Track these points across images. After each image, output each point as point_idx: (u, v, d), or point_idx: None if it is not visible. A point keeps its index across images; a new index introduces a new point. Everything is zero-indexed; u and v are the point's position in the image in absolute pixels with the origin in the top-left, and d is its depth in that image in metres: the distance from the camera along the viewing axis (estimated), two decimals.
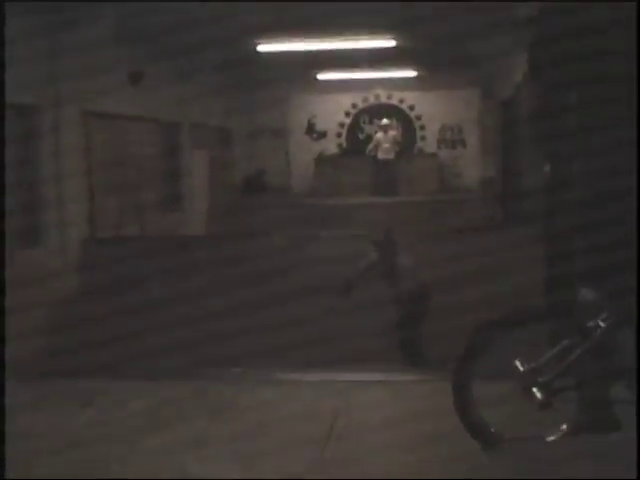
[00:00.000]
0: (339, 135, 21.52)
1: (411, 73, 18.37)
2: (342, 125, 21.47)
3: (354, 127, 21.43)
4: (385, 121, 20.15)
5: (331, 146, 21.44)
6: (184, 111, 15.33)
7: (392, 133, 20.07)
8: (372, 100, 21.26)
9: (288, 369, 6.33)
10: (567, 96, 9.14)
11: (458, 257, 9.42)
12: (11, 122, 9.50)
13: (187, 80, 15.05)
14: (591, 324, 3.63)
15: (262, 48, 13.30)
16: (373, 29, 12.03)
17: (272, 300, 9.20)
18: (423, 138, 21.21)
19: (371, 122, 21.12)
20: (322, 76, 18.45)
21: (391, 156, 19.61)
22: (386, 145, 19.69)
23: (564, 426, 3.75)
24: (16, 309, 8.35)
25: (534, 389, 3.65)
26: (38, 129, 9.91)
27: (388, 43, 13.09)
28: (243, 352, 7.69)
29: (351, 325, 8.88)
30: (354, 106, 21.34)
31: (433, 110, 20.77)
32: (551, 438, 3.79)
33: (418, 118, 21.11)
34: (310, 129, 21.48)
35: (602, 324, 3.60)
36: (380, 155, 19.66)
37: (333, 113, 21.28)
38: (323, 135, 21.51)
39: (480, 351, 3.80)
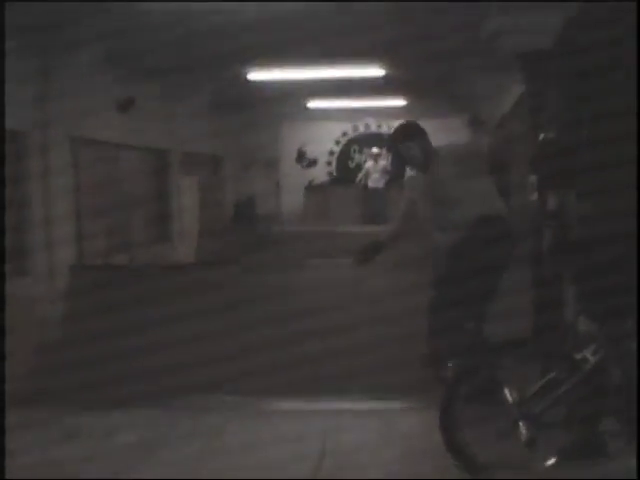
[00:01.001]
0: (329, 163, 21.60)
1: (400, 102, 18.48)
2: (332, 153, 21.56)
3: (344, 156, 21.52)
4: (375, 150, 20.25)
5: (321, 174, 21.51)
6: (174, 138, 15.34)
7: (382, 162, 20.17)
8: (362, 129, 21.38)
9: (274, 396, 6.28)
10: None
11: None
12: None
13: (177, 106, 15.09)
14: (579, 357, 3.59)
15: (253, 76, 13.37)
16: (363, 58, 12.11)
17: (259, 326, 9.15)
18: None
19: (361, 151, 21.23)
20: (313, 104, 18.54)
21: (381, 185, 19.68)
22: (376, 174, 19.77)
23: (552, 460, 3.70)
24: None
25: (521, 423, 3.61)
26: (24, 155, 9.88)
27: (377, 72, 13.19)
28: (229, 378, 7.63)
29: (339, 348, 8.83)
30: (344, 135, 21.45)
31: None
32: (538, 468, 3.74)
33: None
34: (300, 157, 21.55)
35: (591, 358, 3.56)
36: (370, 184, 19.74)
37: (323, 141, 21.37)
38: (313, 163, 21.58)
39: (468, 376, 3.77)
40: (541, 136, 3.35)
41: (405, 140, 6.14)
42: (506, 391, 3.71)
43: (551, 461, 3.68)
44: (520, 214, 6.34)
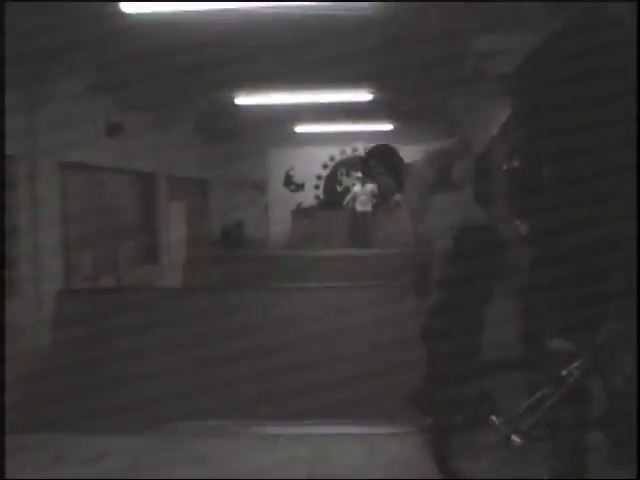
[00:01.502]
0: (317, 187, 21.67)
1: (388, 126, 18.61)
2: (320, 177, 21.64)
3: (332, 179, 21.60)
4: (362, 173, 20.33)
5: (309, 198, 21.58)
6: (161, 162, 15.38)
7: (369, 185, 20.24)
8: (349, 153, 21.49)
9: (262, 422, 6.26)
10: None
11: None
12: None
13: (164, 131, 15.14)
14: (565, 373, 3.63)
15: (240, 101, 13.44)
16: (350, 82, 12.21)
17: (247, 353, 9.14)
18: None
19: (349, 174, 21.31)
20: (300, 129, 18.64)
21: (368, 208, 19.73)
22: (363, 197, 19.83)
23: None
24: None
25: (513, 437, 3.63)
26: (14, 180, 9.89)
27: (365, 97, 13.29)
28: (217, 404, 7.61)
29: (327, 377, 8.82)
30: (332, 158, 21.55)
31: (410, 162, 20.91)
32: None
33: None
34: (288, 181, 21.62)
35: (574, 373, 3.60)
36: (358, 207, 19.79)
37: (311, 165, 21.46)
38: (301, 187, 21.66)
39: (462, 405, 3.77)
40: (504, 167, 3.41)
41: (375, 166, 6.01)
42: (493, 418, 3.72)
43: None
44: (505, 222, 6.28)
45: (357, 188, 20.13)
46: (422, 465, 3.83)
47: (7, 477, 4.65)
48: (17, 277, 9.94)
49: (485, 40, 9.22)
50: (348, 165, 21.44)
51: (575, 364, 3.61)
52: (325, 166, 21.60)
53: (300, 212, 20.97)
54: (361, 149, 21.33)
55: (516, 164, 3.74)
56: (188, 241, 17.63)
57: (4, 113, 3.74)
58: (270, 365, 9.01)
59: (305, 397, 8.27)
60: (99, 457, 4.99)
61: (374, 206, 19.90)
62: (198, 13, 7.63)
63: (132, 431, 5.80)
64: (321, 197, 21.65)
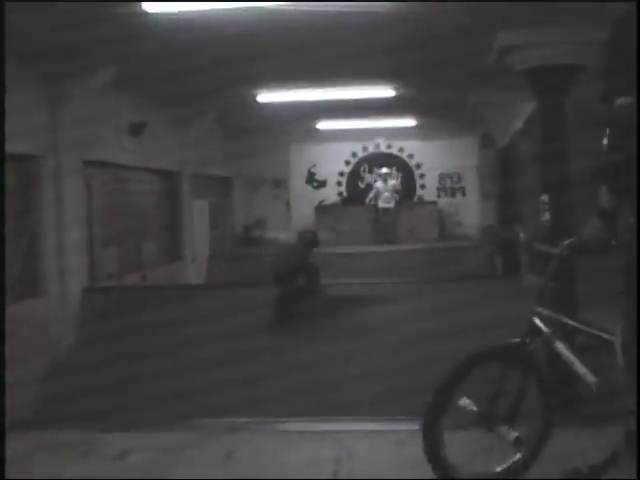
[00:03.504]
0: (339, 184, 21.63)
1: (410, 122, 18.54)
2: (342, 174, 21.60)
3: (354, 176, 21.55)
4: (385, 170, 20.31)
5: (331, 195, 21.54)
6: (184, 160, 15.44)
7: (392, 182, 20.24)
8: (372, 149, 21.43)
9: (286, 418, 6.27)
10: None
11: (452, 308, 9.41)
12: (11, 171, 9.60)
13: (187, 129, 15.18)
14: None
15: (262, 98, 13.45)
16: (373, 79, 12.18)
17: (270, 349, 9.17)
18: (423, 186, 21.34)
19: (371, 171, 21.27)
20: (322, 125, 18.62)
21: (391, 205, 19.71)
22: (386, 194, 19.81)
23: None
24: (16, 358, 8.34)
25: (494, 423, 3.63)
26: (38, 178, 9.97)
27: (388, 93, 13.24)
28: (242, 401, 7.63)
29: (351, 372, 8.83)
30: (354, 155, 21.50)
31: (432, 159, 20.92)
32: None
33: (418, 167, 21.26)
34: (310, 178, 21.60)
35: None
36: (380, 204, 19.76)
37: (333, 162, 21.42)
38: (323, 184, 21.62)
39: (448, 392, 3.76)
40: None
41: None
42: (465, 400, 3.73)
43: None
44: None
45: (380, 184, 20.09)
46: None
47: (34, 472, 4.69)
48: (43, 274, 10.02)
49: (507, 35, 9.16)
50: (371, 161, 21.39)
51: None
52: (347, 163, 21.56)
53: (322, 209, 20.94)
54: (383, 145, 21.31)
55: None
56: (211, 238, 17.69)
57: (4, 113, 3.75)
58: (294, 361, 9.04)
59: (330, 393, 8.28)
60: (124, 453, 5.01)
61: (397, 203, 19.87)
62: (219, 11, 7.64)
63: (157, 428, 5.82)
64: (343, 194, 21.60)
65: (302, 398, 8.20)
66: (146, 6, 7.48)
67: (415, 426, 5.04)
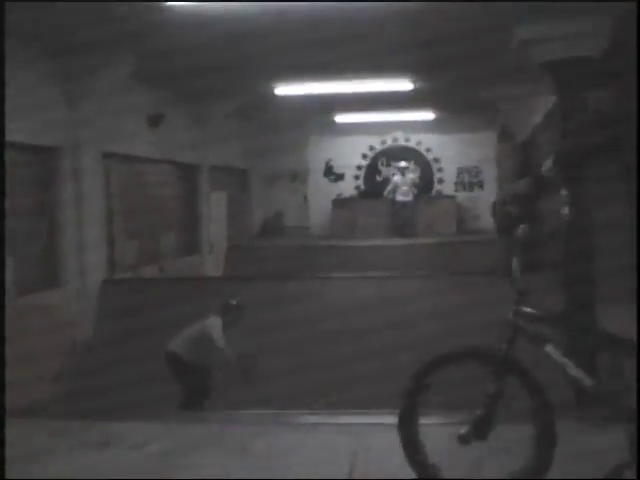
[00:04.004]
0: (357, 177, 21.59)
1: (429, 116, 18.49)
2: (360, 167, 21.55)
3: (372, 169, 21.50)
4: (403, 163, 20.27)
5: (349, 188, 21.51)
6: (202, 153, 15.48)
7: (410, 175, 20.18)
8: (390, 142, 21.37)
9: (306, 411, 6.29)
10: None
11: (467, 305, 9.38)
12: (32, 165, 9.69)
13: (205, 123, 15.21)
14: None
15: (280, 91, 13.44)
16: (391, 72, 12.14)
17: (290, 343, 9.18)
18: (441, 180, 21.27)
19: (389, 164, 21.21)
20: (340, 118, 18.60)
21: (409, 198, 19.65)
22: (404, 187, 19.75)
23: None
24: (36, 348, 8.42)
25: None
26: (58, 172, 10.03)
27: (406, 86, 13.20)
28: (257, 394, 7.66)
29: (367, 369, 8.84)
30: (372, 148, 21.45)
31: (451, 152, 20.83)
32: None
33: (436, 160, 21.18)
34: (328, 171, 21.57)
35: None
36: (398, 197, 19.72)
37: (351, 155, 21.37)
38: (341, 177, 21.59)
39: (424, 388, 3.73)
40: None
41: None
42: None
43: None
44: None
45: (397, 178, 20.05)
46: (462, 455, 3.80)
47: (51, 463, 4.74)
48: (62, 267, 10.08)
49: (527, 29, 9.10)
50: (388, 155, 21.34)
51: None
52: (365, 156, 21.51)
53: (340, 202, 20.91)
54: (401, 139, 21.25)
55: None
56: (229, 231, 17.74)
57: (4, 113, 3.77)
58: (311, 355, 9.06)
59: (347, 387, 8.29)
60: (144, 443, 5.06)
61: (415, 196, 19.82)
62: (238, 6, 7.64)
63: (175, 419, 5.87)
64: (361, 187, 21.56)
65: (319, 394, 8.24)
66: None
67: (429, 420, 5.04)
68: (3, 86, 3.49)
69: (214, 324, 8.23)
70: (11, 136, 8.69)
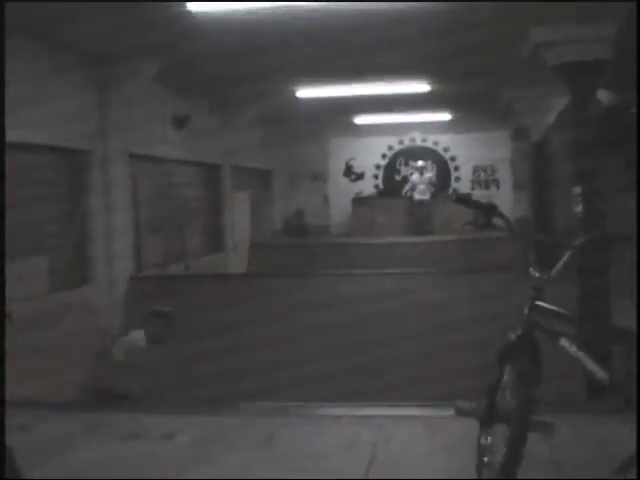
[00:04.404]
0: (376, 177, 21.58)
1: (445, 116, 18.43)
2: (379, 167, 21.54)
3: (390, 169, 21.49)
4: (420, 163, 20.23)
5: (368, 187, 21.50)
6: (226, 154, 15.51)
7: (427, 174, 20.14)
8: (408, 142, 21.34)
9: (325, 403, 6.29)
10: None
11: (481, 296, 9.35)
12: (62, 166, 9.77)
13: (229, 125, 15.25)
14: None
15: (301, 93, 13.45)
16: (408, 75, 12.11)
17: (309, 335, 9.19)
18: (457, 179, 21.20)
19: (407, 164, 21.19)
20: (359, 120, 18.58)
21: (426, 197, 19.63)
22: (422, 186, 19.73)
23: None
24: (65, 344, 8.49)
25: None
26: (87, 173, 10.10)
27: (423, 88, 13.16)
28: (281, 385, 7.67)
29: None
30: (390, 148, 21.42)
31: (467, 151, 20.78)
32: None
33: (452, 160, 21.12)
34: (348, 171, 21.58)
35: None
36: (416, 196, 19.70)
37: (370, 155, 21.37)
38: (360, 177, 21.59)
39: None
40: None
41: None
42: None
43: None
44: None
45: (415, 177, 20.02)
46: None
47: (82, 453, 4.77)
48: (92, 263, 10.15)
49: (540, 30, 9.05)
50: (406, 155, 21.31)
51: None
52: (384, 156, 21.49)
53: (360, 201, 20.93)
54: (419, 139, 21.20)
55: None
56: (252, 229, 17.78)
57: (4, 112, 3.80)
58: (331, 349, 9.06)
59: (367, 379, 8.29)
60: (173, 434, 5.09)
61: (432, 195, 19.78)
62: (260, 10, 7.65)
63: (201, 411, 5.89)
64: (380, 186, 21.55)
65: (341, 382, 8.23)
66: (191, 6, 7.52)
67: (449, 412, 5.02)
68: (3, 86, 3.48)
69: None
70: (49, 140, 8.87)
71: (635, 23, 7.38)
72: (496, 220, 3.80)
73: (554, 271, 3.48)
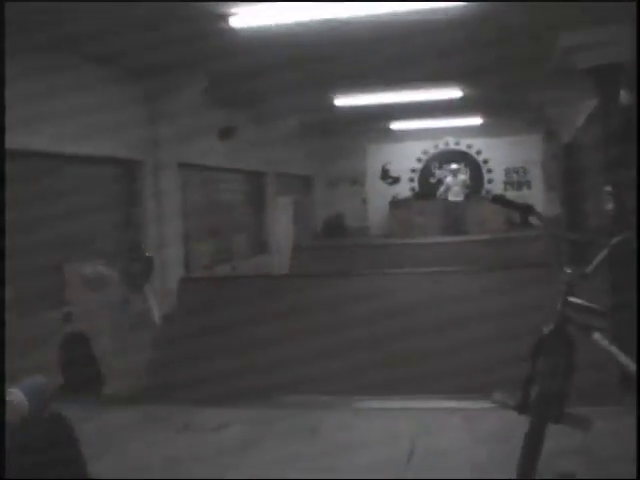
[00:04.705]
0: (411, 180, 21.50)
1: (477, 120, 18.28)
2: (414, 170, 21.46)
3: (425, 172, 21.39)
4: (454, 166, 20.10)
5: (404, 190, 21.44)
6: (269, 161, 15.60)
7: (461, 177, 20.01)
8: (442, 146, 21.21)
9: (365, 396, 6.27)
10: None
11: (515, 290, 9.22)
12: (116, 178, 9.93)
13: (271, 132, 15.34)
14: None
15: (339, 102, 13.47)
16: (442, 81, 12.06)
17: (351, 328, 9.16)
18: (490, 181, 21.01)
19: (441, 167, 21.06)
20: (395, 126, 18.54)
21: (460, 198, 19.51)
22: (456, 188, 19.61)
23: None
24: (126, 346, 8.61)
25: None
26: (140, 181, 10.23)
27: (455, 94, 13.10)
28: (324, 378, 7.66)
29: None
30: (425, 152, 21.33)
31: (499, 154, 20.60)
32: None
33: (485, 162, 20.95)
34: (385, 175, 21.54)
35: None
36: (450, 197, 19.59)
37: (406, 159, 21.30)
38: (397, 180, 21.54)
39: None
40: None
41: None
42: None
43: None
44: None
45: (450, 179, 19.91)
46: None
47: (132, 446, 4.82)
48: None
49: (570, 35, 8.93)
50: (441, 158, 21.19)
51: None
52: (419, 160, 21.39)
53: (396, 203, 20.89)
54: (452, 143, 21.08)
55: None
56: (294, 232, 17.83)
57: (4, 112, 3.85)
58: (373, 335, 9.01)
59: (406, 373, 8.22)
60: (221, 427, 5.13)
61: (466, 196, 19.65)
62: (298, 24, 7.67)
63: (248, 404, 5.92)
64: (416, 189, 21.47)
65: (381, 373, 8.19)
66: (233, 22, 7.57)
67: (486, 404, 4.98)
68: (3, 86, 3.50)
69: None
70: (102, 151, 9.02)
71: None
72: (532, 219, 3.77)
73: (590, 268, 3.44)
